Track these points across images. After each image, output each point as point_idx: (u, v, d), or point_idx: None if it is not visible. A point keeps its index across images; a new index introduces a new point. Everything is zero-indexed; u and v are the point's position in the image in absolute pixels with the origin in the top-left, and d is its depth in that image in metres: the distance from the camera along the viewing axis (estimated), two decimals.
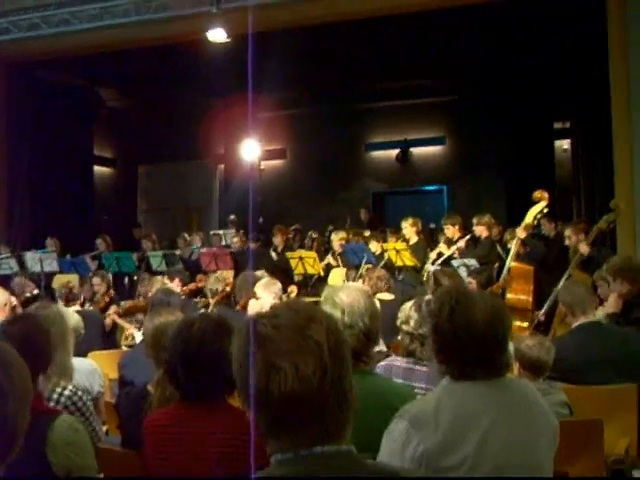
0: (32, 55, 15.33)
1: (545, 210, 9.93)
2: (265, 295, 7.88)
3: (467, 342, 2.93)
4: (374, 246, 12.57)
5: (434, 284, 7.90)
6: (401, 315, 4.71)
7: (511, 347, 4.82)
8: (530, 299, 9.30)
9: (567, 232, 10.08)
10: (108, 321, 9.21)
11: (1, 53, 15.08)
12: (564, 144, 19.03)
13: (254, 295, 8.04)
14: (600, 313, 6.34)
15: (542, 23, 13.68)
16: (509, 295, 9.33)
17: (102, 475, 4.31)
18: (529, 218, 9.87)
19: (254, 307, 7.84)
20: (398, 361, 4.60)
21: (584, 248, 9.22)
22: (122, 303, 10.79)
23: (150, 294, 9.43)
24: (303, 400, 1.82)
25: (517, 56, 15.58)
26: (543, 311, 8.86)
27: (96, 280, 10.52)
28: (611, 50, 11.37)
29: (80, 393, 4.45)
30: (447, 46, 15.22)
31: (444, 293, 3.18)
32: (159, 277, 10.53)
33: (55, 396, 4.29)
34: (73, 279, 11.94)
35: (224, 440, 3.20)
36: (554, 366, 4.85)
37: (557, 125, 19.09)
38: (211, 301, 8.42)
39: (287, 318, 1.91)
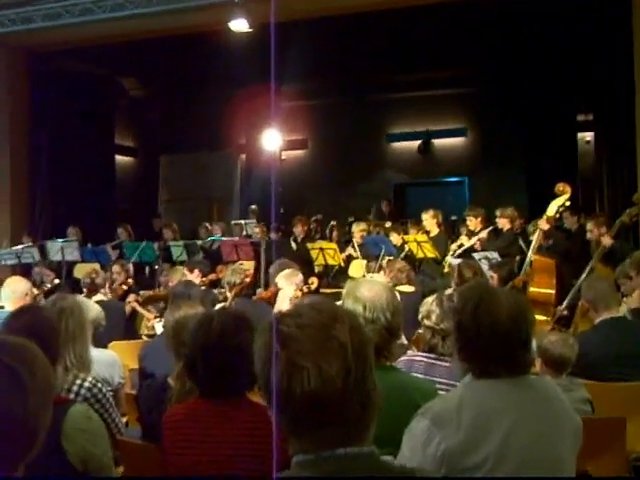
0: (54, 44, 15.37)
1: (567, 203, 9.87)
2: (286, 286, 7.88)
3: (490, 340, 2.90)
4: (395, 238, 12.56)
5: (458, 277, 7.88)
6: (423, 309, 4.68)
7: (533, 343, 4.80)
8: (553, 292, 9.23)
9: (588, 226, 10.03)
10: (128, 308, 9.23)
11: (24, 42, 15.13)
12: (587, 136, 18.88)
13: (276, 285, 8.04)
14: (624, 309, 6.29)
15: (566, 14, 13.59)
16: (531, 288, 9.26)
17: (121, 467, 4.32)
18: (551, 210, 9.81)
19: (280, 298, 7.84)
20: (419, 356, 4.57)
21: (607, 240, 9.19)
22: (142, 293, 10.82)
23: (171, 284, 9.46)
24: (326, 401, 1.80)
25: (540, 48, 15.48)
26: (564, 305, 8.81)
27: (116, 268, 10.56)
28: (636, 42, 11.30)
29: (100, 385, 4.44)
30: (469, 37, 15.16)
31: (467, 290, 3.15)
32: (179, 267, 10.52)
33: (75, 388, 4.29)
34: (95, 267, 12.00)
35: (244, 436, 3.19)
36: (576, 362, 4.81)
37: (580, 117, 18.93)
38: (229, 294, 8.39)
39: (311, 317, 1.89)
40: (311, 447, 1.85)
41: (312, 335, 1.85)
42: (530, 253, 9.79)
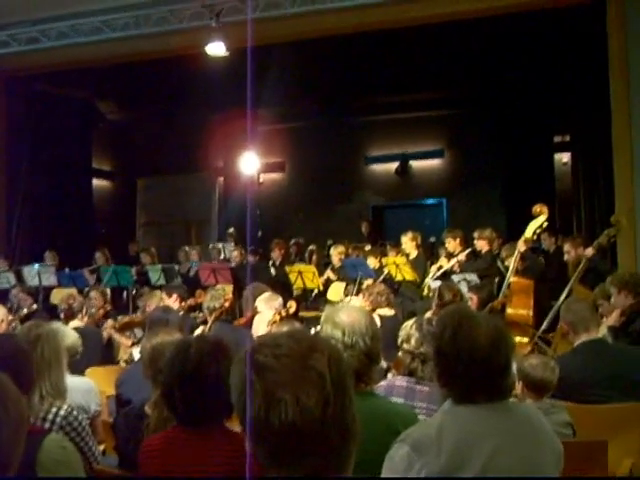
0: (31, 68, 15.32)
1: (545, 224, 9.92)
2: (266, 310, 7.85)
3: (470, 365, 2.89)
4: (372, 262, 12.54)
5: (438, 299, 7.88)
6: (402, 333, 4.67)
7: (514, 366, 4.78)
8: (530, 314, 9.29)
9: (566, 247, 10.10)
10: (104, 335, 9.16)
11: (0, 66, 15.05)
12: (564, 157, 18.97)
13: (255, 310, 8.01)
14: (603, 329, 6.30)
15: (542, 37, 13.67)
16: (509, 310, 9.31)
17: None
18: (529, 232, 9.86)
19: (257, 322, 7.81)
20: (399, 380, 4.56)
21: (588, 251, 9.27)
22: (119, 317, 10.74)
23: (148, 308, 9.41)
24: (304, 432, 1.77)
25: (516, 69, 15.56)
26: (544, 327, 8.84)
27: (93, 294, 10.43)
28: (611, 63, 11.35)
29: (75, 413, 4.39)
30: (446, 60, 15.22)
31: (446, 315, 3.14)
32: (158, 292, 10.45)
33: (50, 416, 4.23)
34: (72, 293, 11.92)
35: (222, 465, 3.15)
36: (557, 384, 4.79)
37: (557, 138, 19.05)
38: (209, 318, 8.35)
39: (288, 347, 1.85)
40: (289, 478, 1.82)
41: (289, 365, 1.81)
42: (509, 275, 9.81)
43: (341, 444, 1.84)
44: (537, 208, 9.90)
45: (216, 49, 12.99)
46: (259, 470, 1.90)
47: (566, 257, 10.01)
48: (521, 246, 9.89)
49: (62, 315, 8.66)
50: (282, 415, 1.76)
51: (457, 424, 2.87)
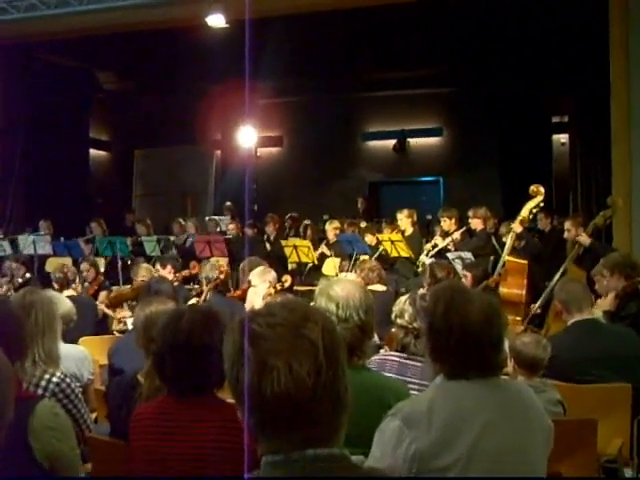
0: (29, 36, 15.25)
1: (541, 205, 9.94)
2: (260, 283, 7.87)
3: (461, 341, 2.90)
4: (369, 239, 12.55)
5: (430, 277, 7.88)
6: (396, 308, 4.68)
7: (506, 343, 4.79)
8: (524, 293, 9.31)
9: (567, 225, 10.06)
10: (99, 310, 9.18)
11: None
12: (562, 138, 18.99)
13: (249, 283, 8.03)
14: (597, 311, 6.30)
15: (541, 15, 13.63)
16: (503, 289, 9.33)
17: (89, 464, 4.28)
18: (525, 212, 9.87)
19: (251, 295, 7.83)
20: (392, 355, 4.57)
21: (584, 239, 9.27)
22: (114, 288, 10.76)
23: (135, 280, 9.44)
24: (296, 401, 1.78)
25: (516, 48, 15.52)
26: (538, 304, 8.85)
27: (84, 266, 10.40)
28: (611, 43, 11.32)
29: (68, 380, 4.41)
30: (445, 37, 15.19)
31: (439, 290, 3.15)
32: (145, 264, 10.43)
33: (43, 383, 4.25)
34: (66, 262, 11.92)
35: (213, 435, 3.16)
36: (548, 363, 4.80)
37: (555, 119, 19.08)
38: (205, 288, 8.38)
39: (282, 317, 1.86)
40: (280, 447, 1.83)
41: (283, 334, 1.82)
42: (504, 254, 9.83)
43: (332, 414, 1.84)
44: (534, 188, 9.90)
45: (216, 21, 12.94)
46: (250, 440, 1.90)
47: (566, 235, 9.98)
48: (517, 227, 9.91)
49: (56, 284, 8.65)
50: (274, 383, 1.76)
51: (448, 399, 2.87)
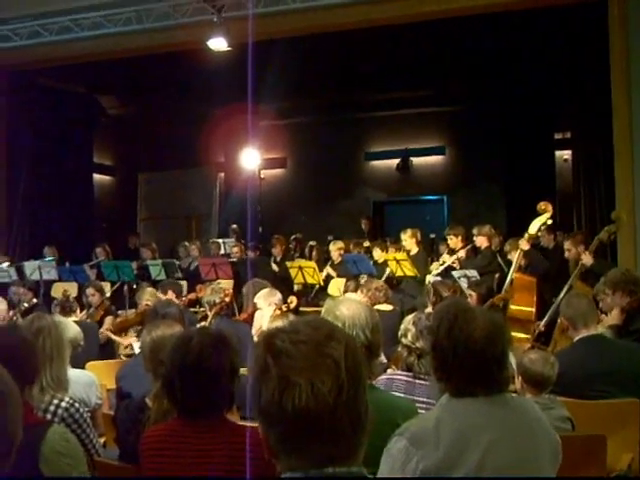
0: (32, 63, 15.31)
1: (549, 222, 9.91)
2: (265, 305, 7.87)
3: (466, 359, 2.91)
4: (377, 254, 12.56)
5: (434, 296, 7.86)
6: (402, 327, 4.68)
7: (513, 360, 4.79)
8: (533, 310, 9.28)
9: (566, 245, 10.05)
10: (102, 337, 9.16)
11: (1, 61, 15.05)
12: (565, 154, 18.99)
13: (255, 305, 8.03)
14: (602, 326, 6.29)
15: (543, 33, 13.68)
16: (512, 307, 9.29)
17: None
18: (533, 229, 9.84)
19: (258, 318, 7.83)
20: (399, 375, 4.57)
21: (587, 259, 9.19)
22: (120, 313, 10.75)
23: (140, 304, 9.44)
24: (316, 418, 1.79)
25: (518, 66, 15.58)
26: (544, 322, 8.82)
27: (90, 290, 10.38)
28: (613, 60, 11.35)
29: (77, 405, 4.41)
30: (448, 57, 15.23)
31: (443, 309, 3.16)
32: (149, 288, 10.40)
33: (52, 408, 4.25)
34: (72, 288, 11.94)
35: (223, 457, 3.16)
36: (556, 380, 4.80)
37: (558, 135, 19.07)
38: (209, 313, 8.36)
39: (306, 334, 1.88)
40: (300, 465, 1.84)
41: (306, 352, 1.84)
42: (512, 271, 9.80)
43: (352, 433, 1.85)
44: (542, 205, 9.88)
45: (218, 44, 12.99)
46: (267, 459, 1.91)
47: (567, 254, 9.99)
48: (524, 244, 9.89)
49: (58, 310, 8.58)
50: (296, 400, 1.78)
51: (454, 417, 2.88)
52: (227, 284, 11.45)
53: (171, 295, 9.87)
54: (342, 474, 1.84)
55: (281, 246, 14.66)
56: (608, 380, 5.37)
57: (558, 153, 19.20)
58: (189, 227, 21.36)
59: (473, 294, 8.79)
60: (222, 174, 22.00)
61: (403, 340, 4.61)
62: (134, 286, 13.12)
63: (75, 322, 7.49)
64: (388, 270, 11.69)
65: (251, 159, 19.66)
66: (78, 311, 8.97)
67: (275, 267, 14.10)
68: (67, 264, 14.32)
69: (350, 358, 1.86)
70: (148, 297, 9.42)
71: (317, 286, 12.90)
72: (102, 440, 5.18)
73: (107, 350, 9.03)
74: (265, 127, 19.73)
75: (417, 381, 4.44)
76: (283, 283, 12.07)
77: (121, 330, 9.55)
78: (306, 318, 2.03)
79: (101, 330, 9.33)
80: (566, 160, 18.87)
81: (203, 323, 8.48)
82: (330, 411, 1.80)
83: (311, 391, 1.78)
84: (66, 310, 8.51)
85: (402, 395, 4.30)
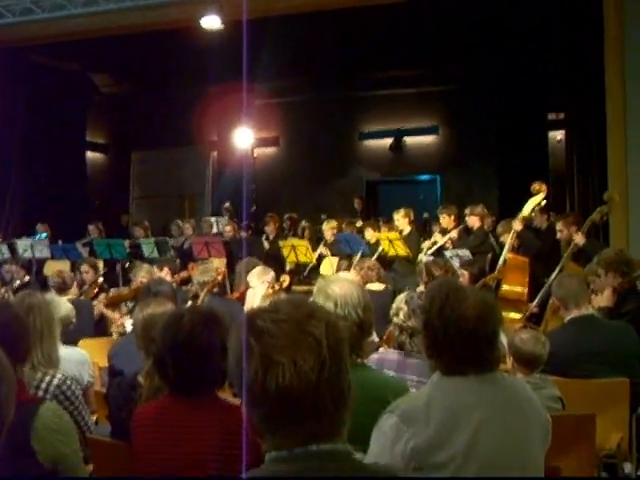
0: (25, 40, 15.27)
1: (543, 202, 9.91)
2: (258, 284, 7.87)
3: (457, 338, 2.92)
4: (370, 234, 12.53)
5: (426, 275, 7.86)
6: (394, 306, 4.69)
7: (504, 340, 4.81)
8: (525, 290, 9.29)
9: (558, 225, 10.03)
10: (96, 311, 9.15)
11: None
12: (558, 135, 18.95)
13: (247, 284, 8.03)
14: (593, 306, 6.31)
15: (536, 12, 13.65)
16: (505, 286, 9.31)
17: (90, 465, 4.29)
18: (527, 210, 9.85)
19: (250, 296, 7.83)
20: (390, 353, 4.59)
21: (579, 239, 9.18)
22: (112, 290, 10.74)
23: (135, 282, 9.42)
24: (300, 396, 1.80)
25: (511, 46, 15.56)
26: (535, 303, 8.85)
27: (84, 267, 10.36)
28: (607, 41, 11.34)
29: (69, 382, 4.41)
30: (440, 35, 15.19)
31: (434, 288, 3.16)
32: (145, 265, 10.40)
33: (44, 385, 4.26)
34: (64, 266, 11.91)
35: (214, 434, 3.17)
36: (547, 359, 4.82)
37: (551, 116, 19.05)
38: (200, 293, 8.35)
39: (287, 313, 1.89)
40: (284, 443, 1.85)
41: (287, 330, 1.85)
42: (505, 251, 9.80)
43: (335, 410, 1.87)
44: (536, 186, 9.87)
45: (211, 22, 12.95)
46: (254, 437, 1.92)
47: (559, 235, 9.99)
48: (517, 225, 9.88)
49: (53, 290, 8.59)
50: (279, 378, 1.79)
51: (445, 395, 2.89)
52: (220, 263, 11.45)
53: (167, 272, 9.89)
54: (327, 451, 1.86)
55: (274, 224, 14.63)
56: (598, 360, 5.40)
57: (551, 134, 19.18)
58: (182, 206, 21.36)
59: (465, 273, 8.79)
60: (215, 153, 21.95)
61: (395, 319, 4.61)
62: (126, 265, 13.12)
63: (69, 300, 7.49)
64: (380, 249, 11.67)
65: (244, 138, 19.64)
66: (74, 287, 8.94)
67: (267, 245, 14.07)
68: (60, 242, 14.30)
69: (331, 336, 1.87)
70: (144, 274, 9.41)
71: (310, 265, 12.89)
72: (94, 417, 5.19)
73: (101, 327, 9.03)
74: (258, 106, 19.65)
75: (408, 359, 4.45)
76: (275, 262, 12.05)
77: (114, 304, 9.53)
78: (288, 297, 2.04)
79: (94, 302, 9.32)
80: (559, 141, 18.83)
81: (194, 301, 8.48)
82: (313, 388, 1.81)
83: (294, 369, 1.79)
84: (61, 289, 8.51)
85: (393, 373, 4.31)
